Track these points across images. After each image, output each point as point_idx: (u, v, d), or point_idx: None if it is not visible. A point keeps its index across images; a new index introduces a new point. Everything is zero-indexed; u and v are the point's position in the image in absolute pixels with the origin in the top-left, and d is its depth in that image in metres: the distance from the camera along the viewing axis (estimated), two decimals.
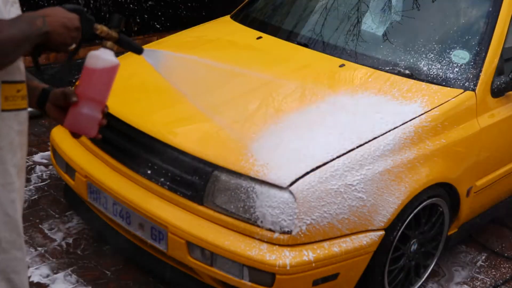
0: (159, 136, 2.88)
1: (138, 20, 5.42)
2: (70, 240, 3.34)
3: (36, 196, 3.67)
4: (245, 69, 3.29)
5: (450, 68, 3.19)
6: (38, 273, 3.09)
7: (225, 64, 3.21)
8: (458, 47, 3.25)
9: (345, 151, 2.71)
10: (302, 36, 3.59)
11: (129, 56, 3.57)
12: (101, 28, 1.95)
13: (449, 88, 3.13)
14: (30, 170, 3.93)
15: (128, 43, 2.06)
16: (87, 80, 1.93)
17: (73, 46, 1.78)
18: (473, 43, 3.24)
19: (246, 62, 3.38)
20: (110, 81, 1.98)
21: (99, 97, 1.93)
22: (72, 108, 1.89)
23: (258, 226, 2.61)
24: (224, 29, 3.86)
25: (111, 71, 1.96)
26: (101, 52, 1.94)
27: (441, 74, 3.18)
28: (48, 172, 3.92)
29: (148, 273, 3.12)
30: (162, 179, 2.85)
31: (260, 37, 3.66)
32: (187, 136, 2.83)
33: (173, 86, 2.43)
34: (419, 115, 2.92)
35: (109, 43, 1.96)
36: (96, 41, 1.93)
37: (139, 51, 2.11)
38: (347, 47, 3.42)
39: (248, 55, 3.46)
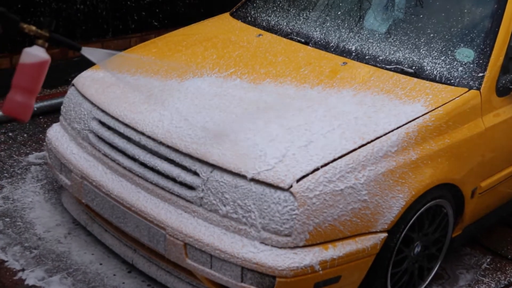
0: (156, 135, 2.87)
1: (136, 18, 5.41)
2: (66, 242, 3.33)
3: (31, 198, 3.66)
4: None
5: (454, 67, 3.18)
6: (33, 276, 3.08)
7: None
8: (462, 45, 3.25)
9: (347, 152, 2.70)
10: (303, 33, 3.59)
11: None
12: (28, 28, 2.36)
13: (453, 87, 3.12)
14: (25, 170, 3.92)
15: (61, 42, 2.46)
16: (20, 73, 2.36)
17: None
18: (478, 41, 3.23)
19: (245, 60, 3.37)
20: (40, 74, 2.38)
21: (31, 87, 2.35)
22: (8, 96, 2.33)
23: (258, 227, 2.61)
24: (223, 26, 3.85)
25: (41, 65, 2.36)
26: (32, 49, 2.36)
27: (445, 72, 3.17)
28: (43, 172, 3.91)
29: (147, 277, 3.11)
30: (160, 180, 2.84)
31: (260, 35, 3.65)
32: (185, 136, 2.82)
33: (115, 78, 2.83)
34: (423, 115, 2.92)
35: (40, 41, 2.38)
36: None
37: (77, 48, 2.52)
38: (349, 45, 3.42)
39: (248, 53, 3.45)
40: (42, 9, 4.78)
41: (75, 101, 3.30)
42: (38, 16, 4.77)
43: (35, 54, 2.36)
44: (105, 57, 2.68)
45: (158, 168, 2.85)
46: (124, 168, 2.98)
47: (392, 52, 3.31)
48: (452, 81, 3.14)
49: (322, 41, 3.50)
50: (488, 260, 3.58)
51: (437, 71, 3.18)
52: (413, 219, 2.89)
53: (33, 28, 2.34)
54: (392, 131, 2.82)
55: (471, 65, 3.18)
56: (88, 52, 2.56)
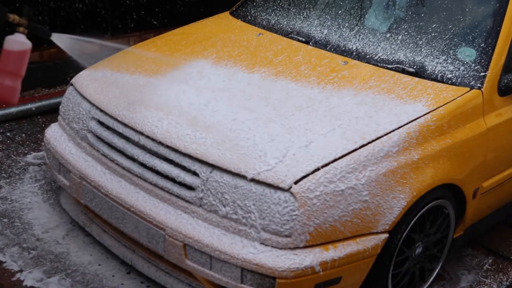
0: (156, 135, 2.87)
1: (135, 17, 5.41)
2: (65, 243, 3.33)
3: (29, 198, 3.66)
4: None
5: (456, 66, 3.18)
6: (31, 277, 3.08)
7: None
8: (464, 44, 3.24)
9: (347, 152, 2.70)
10: (303, 33, 3.58)
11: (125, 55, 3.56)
12: (13, 17, 2.61)
13: (455, 86, 3.12)
14: (23, 170, 3.92)
15: (37, 28, 2.76)
16: (5, 59, 2.66)
17: None
18: (480, 40, 3.23)
19: (244, 59, 3.36)
20: (23, 59, 2.69)
21: (16, 71, 2.66)
22: None
23: (258, 228, 2.60)
24: (223, 25, 3.85)
25: (25, 51, 2.67)
26: (15, 36, 2.66)
27: (446, 72, 3.16)
28: (41, 172, 3.91)
29: (146, 278, 3.11)
30: (159, 180, 2.84)
31: (260, 34, 3.65)
32: (184, 136, 2.81)
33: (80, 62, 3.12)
34: (424, 114, 2.91)
35: (21, 29, 2.65)
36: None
37: (47, 35, 2.83)
38: (350, 44, 3.41)
39: (248, 52, 3.45)
40: (40, 8, 4.78)
41: (74, 100, 3.29)
42: (36, 15, 4.77)
43: (19, 41, 2.65)
44: (75, 43, 2.97)
45: (157, 168, 2.85)
46: (123, 168, 2.97)
47: (393, 51, 3.31)
48: (454, 80, 3.14)
49: (322, 40, 3.49)
50: (490, 261, 3.58)
51: (439, 70, 3.18)
52: (414, 220, 2.89)
53: (17, 17, 2.61)
54: (393, 131, 2.82)
55: (473, 65, 3.17)
56: (57, 38, 2.88)
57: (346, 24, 3.52)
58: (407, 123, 2.86)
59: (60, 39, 2.94)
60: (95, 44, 3.24)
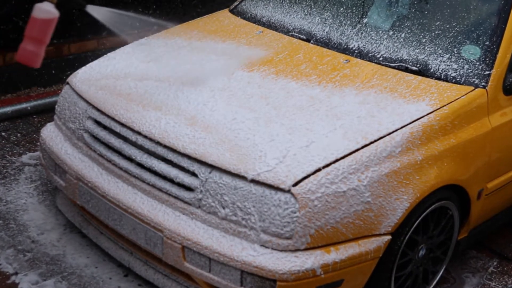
0: (153, 135, 2.87)
1: (133, 14, 5.40)
2: (61, 245, 3.33)
3: (24, 199, 3.66)
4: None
5: (460, 64, 3.17)
6: (26, 280, 3.08)
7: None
8: (468, 42, 3.24)
9: (349, 152, 2.70)
10: (304, 30, 3.58)
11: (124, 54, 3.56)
12: None
13: (459, 85, 3.11)
14: (18, 171, 3.92)
15: (68, 1, 3.03)
16: (32, 26, 2.82)
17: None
18: (484, 38, 3.23)
19: (244, 58, 3.36)
20: (49, 27, 2.84)
21: (41, 37, 2.81)
22: (21, 46, 2.81)
23: (258, 230, 2.60)
24: (222, 23, 3.84)
25: (51, 20, 2.83)
26: (43, 4, 2.83)
27: (450, 70, 3.16)
28: (37, 173, 3.90)
29: (144, 281, 3.11)
30: (157, 181, 2.84)
31: (260, 32, 3.65)
32: (183, 135, 2.81)
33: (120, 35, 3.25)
34: (428, 114, 2.91)
35: None
36: None
37: (81, 5, 3.06)
38: (352, 42, 3.41)
39: (248, 50, 3.45)
40: None
41: (70, 100, 3.29)
42: None
43: (46, 9, 2.82)
44: (112, 16, 3.10)
45: (155, 168, 2.85)
46: (120, 168, 2.97)
47: (396, 49, 3.30)
48: (458, 79, 3.14)
49: (324, 38, 3.49)
50: (495, 263, 3.57)
51: (442, 69, 3.17)
52: (417, 222, 2.89)
53: None
54: (396, 130, 2.81)
55: (477, 63, 3.17)
56: (93, 10, 3.05)
57: (348, 22, 3.52)
58: (410, 123, 2.86)
59: (95, 11, 3.10)
60: (133, 18, 3.42)
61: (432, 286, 3.23)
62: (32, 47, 2.82)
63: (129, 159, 2.95)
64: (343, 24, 3.52)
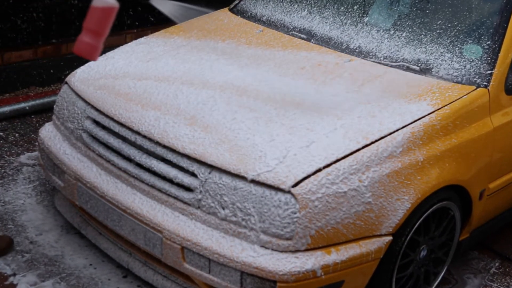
0: (153, 135, 2.87)
1: (132, 13, 5.40)
2: (59, 246, 3.33)
3: (22, 200, 3.66)
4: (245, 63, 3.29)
5: (461, 64, 3.17)
6: (24, 281, 3.07)
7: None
8: (470, 42, 3.24)
9: (350, 152, 2.70)
10: (305, 30, 3.58)
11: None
12: None
13: (460, 84, 3.11)
14: (16, 171, 3.92)
15: None
16: (91, 16, 2.74)
17: None
18: (486, 37, 3.23)
19: (244, 57, 3.36)
20: (108, 18, 2.73)
21: (99, 29, 2.72)
22: (78, 38, 2.75)
23: (258, 231, 2.60)
24: (222, 22, 3.84)
25: (109, 10, 2.72)
26: None
27: (452, 70, 3.16)
28: (35, 173, 3.90)
29: (143, 282, 3.11)
30: (156, 181, 2.84)
31: (260, 31, 3.65)
32: (182, 135, 2.81)
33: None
34: (429, 114, 2.91)
35: None
36: None
37: None
38: (353, 42, 3.41)
39: (248, 49, 3.45)
40: (35, 5, 4.78)
41: (69, 99, 3.29)
42: (31, 12, 4.77)
43: (106, 0, 2.75)
44: (176, 9, 3.06)
45: (154, 169, 2.85)
46: (119, 169, 2.97)
47: (397, 48, 3.30)
48: (459, 78, 3.14)
49: (325, 37, 3.49)
50: (497, 264, 3.57)
51: (444, 68, 3.17)
52: (419, 222, 2.89)
53: None
54: (397, 130, 2.81)
55: (479, 62, 3.17)
56: (157, 2, 3.02)
57: (349, 21, 3.52)
58: (411, 123, 2.85)
59: (159, 4, 3.05)
60: (198, 11, 3.34)
61: (433, 287, 3.23)
62: (89, 39, 2.74)
63: (128, 159, 2.95)
64: (344, 23, 3.52)
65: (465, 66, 3.16)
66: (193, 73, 3.23)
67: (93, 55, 2.80)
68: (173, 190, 2.79)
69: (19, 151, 4.15)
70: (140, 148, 2.93)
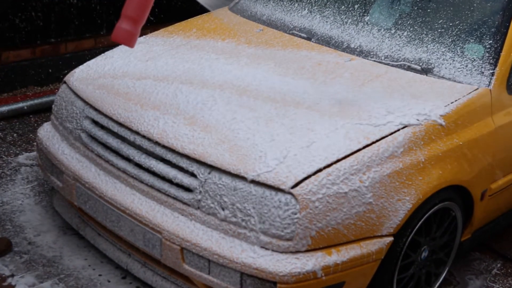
0: (152, 135, 2.86)
1: None
2: (58, 247, 3.33)
3: (21, 200, 3.65)
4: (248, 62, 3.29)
5: (463, 63, 3.17)
6: (23, 282, 3.07)
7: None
8: (471, 41, 3.24)
9: (351, 152, 2.70)
10: (305, 29, 3.58)
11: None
12: None
13: (462, 84, 3.11)
14: (14, 171, 3.92)
15: None
16: (129, 3, 2.78)
17: None
18: (488, 36, 3.23)
19: (244, 56, 3.36)
20: (146, 5, 2.79)
21: (137, 16, 2.78)
22: (117, 25, 2.81)
23: (258, 231, 2.60)
24: (222, 21, 3.84)
25: None
26: None
27: (453, 69, 3.16)
28: (34, 174, 3.90)
29: (142, 283, 3.11)
30: (156, 182, 2.84)
31: (260, 30, 3.64)
32: (182, 135, 2.81)
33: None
34: (430, 113, 2.90)
35: None
36: None
37: None
38: (353, 41, 3.41)
39: (248, 48, 3.45)
40: (33, 4, 4.78)
41: (67, 99, 3.29)
42: (29, 11, 4.77)
43: None
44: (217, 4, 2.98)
45: (153, 169, 2.85)
46: (118, 169, 2.97)
47: (398, 48, 3.30)
48: (461, 78, 3.14)
49: (325, 37, 3.49)
50: (499, 265, 3.57)
51: (445, 67, 3.17)
52: (420, 223, 2.89)
53: None
54: (398, 130, 2.81)
55: (481, 62, 3.17)
56: None
57: (350, 20, 3.52)
58: (412, 123, 2.85)
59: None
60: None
61: None
62: (127, 26, 2.79)
63: (127, 159, 2.95)
64: (344, 22, 3.52)
65: (466, 66, 3.16)
66: (192, 72, 3.23)
67: (131, 42, 2.83)
68: (173, 190, 2.79)
69: (17, 151, 4.15)
70: (139, 148, 2.93)
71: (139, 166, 2.91)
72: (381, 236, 2.73)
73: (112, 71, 3.32)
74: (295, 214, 2.55)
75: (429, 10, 3.42)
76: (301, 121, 2.84)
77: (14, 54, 4.74)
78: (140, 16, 2.80)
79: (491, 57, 3.17)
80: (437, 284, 3.24)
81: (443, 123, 2.91)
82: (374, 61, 3.28)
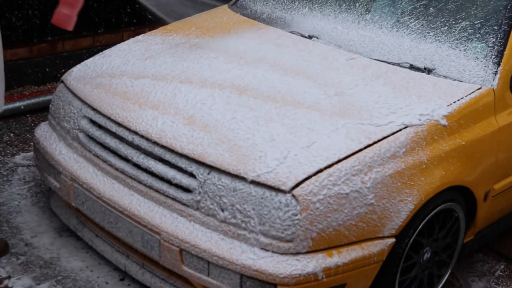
0: (150, 135, 2.86)
1: (129, 11, 5.40)
2: (55, 248, 3.33)
3: (17, 201, 3.65)
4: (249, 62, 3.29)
5: (466, 62, 3.17)
6: (20, 284, 3.08)
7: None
8: (474, 40, 3.24)
9: (352, 152, 2.70)
10: (306, 27, 3.58)
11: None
12: None
13: (465, 83, 3.11)
14: (11, 172, 3.92)
15: None
16: None
17: None
18: (491, 35, 3.23)
19: (244, 54, 3.36)
20: None
21: (73, 1, 3.19)
22: (56, 10, 3.18)
23: (258, 233, 2.60)
24: (222, 19, 3.84)
25: None
26: None
27: (456, 68, 3.16)
28: (31, 174, 3.90)
29: (140, 285, 3.11)
30: (154, 182, 2.84)
31: (260, 28, 3.64)
32: (181, 135, 2.81)
33: None
34: (432, 113, 2.91)
35: None
36: None
37: None
38: (355, 40, 3.41)
39: (248, 47, 3.45)
40: (30, 1, 4.78)
41: (64, 98, 3.29)
42: (25, 9, 4.77)
43: None
44: None
45: (152, 169, 2.85)
46: (116, 169, 2.97)
47: (400, 47, 3.30)
48: (464, 77, 3.14)
49: (326, 35, 3.49)
50: (502, 267, 3.57)
51: (448, 66, 3.17)
52: (422, 224, 2.89)
53: None
54: (400, 130, 2.81)
55: (484, 61, 3.17)
56: None
57: (351, 18, 3.52)
58: (414, 122, 2.85)
59: None
60: None
61: None
62: (66, 10, 3.19)
63: (126, 159, 2.95)
64: (346, 21, 3.52)
65: (469, 65, 3.16)
66: (191, 71, 3.23)
67: (69, 25, 3.23)
68: (171, 191, 2.79)
69: (14, 151, 4.15)
70: (137, 148, 2.93)
71: (137, 166, 2.91)
72: (383, 238, 2.73)
73: (110, 70, 3.32)
74: (296, 215, 2.55)
75: (432, 9, 3.42)
76: (301, 120, 2.84)
77: (10, 53, 4.74)
78: (76, 1, 3.21)
79: (494, 56, 3.17)
80: (440, 286, 3.23)
81: (446, 123, 2.91)
82: (376, 60, 3.28)
